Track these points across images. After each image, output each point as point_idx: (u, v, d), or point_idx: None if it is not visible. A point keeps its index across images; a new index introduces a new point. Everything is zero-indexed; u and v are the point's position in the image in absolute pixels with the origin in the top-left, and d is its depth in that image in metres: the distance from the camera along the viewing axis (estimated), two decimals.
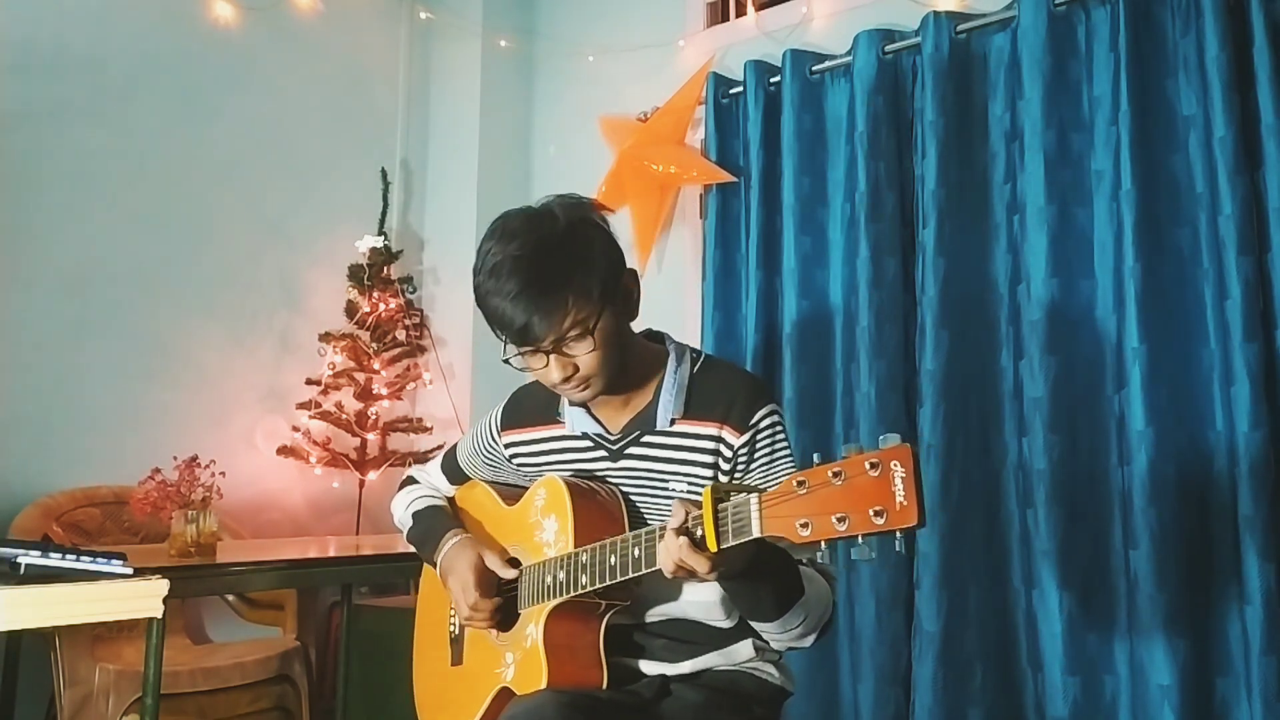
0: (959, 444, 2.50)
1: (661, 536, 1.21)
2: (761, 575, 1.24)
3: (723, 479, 1.40)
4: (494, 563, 1.48)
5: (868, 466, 1.00)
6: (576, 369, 1.33)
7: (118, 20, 3.07)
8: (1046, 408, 2.38)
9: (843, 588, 2.66)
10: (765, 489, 1.11)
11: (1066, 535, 2.34)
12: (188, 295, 3.17)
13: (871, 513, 0.99)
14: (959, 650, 2.42)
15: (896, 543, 0.99)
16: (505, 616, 1.48)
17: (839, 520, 1.02)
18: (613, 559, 1.29)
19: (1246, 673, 2.13)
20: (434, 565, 1.58)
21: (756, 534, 1.09)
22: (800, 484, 1.06)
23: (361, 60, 3.76)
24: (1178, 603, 2.19)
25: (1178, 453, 2.25)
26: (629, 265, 1.41)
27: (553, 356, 1.32)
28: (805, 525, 1.04)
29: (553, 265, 1.29)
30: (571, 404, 1.46)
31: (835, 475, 1.03)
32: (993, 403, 2.54)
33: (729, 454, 1.40)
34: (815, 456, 1.08)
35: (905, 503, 0.98)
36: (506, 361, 1.37)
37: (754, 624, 1.35)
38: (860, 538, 1.01)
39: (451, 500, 1.71)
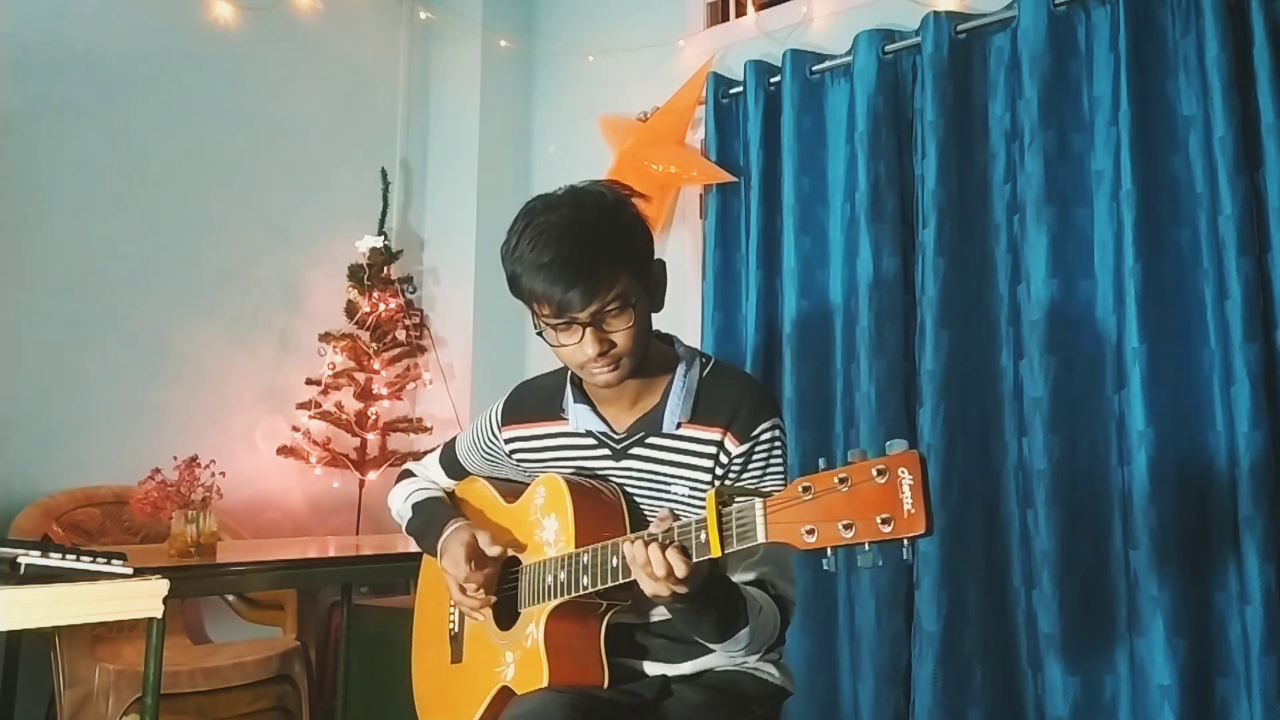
0: (959, 444, 2.50)
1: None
2: (706, 606, 1.25)
3: (715, 483, 1.40)
4: (484, 541, 1.46)
5: (874, 473, 0.99)
6: (612, 345, 1.32)
7: (117, 20, 3.07)
8: (1046, 408, 2.38)
9: (842, 587, 2.66)
10: (769, 493, 1.10)
11: (1066, 535, 2.33)
12: (188, 295, 3.17)
13: (879, 520, 0.98)
14: (959, 650, 2.42)
15: (904, 551, 0.98)
16: (506, 615, 1.48)
17: (845, 527, 1.00)
18: (614, 560, 1.28)
19: (1246, 673, 2.13)
20: (435, 553, 1.56)
21: (761, 539, 1.08)
22: (805, 489, 1.05)
23: (361, 60, 3.76)
24: (1178, 603, 2.19)
25: (1178, 453, 2.25)
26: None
27: (589, 330, 1.30)
28: (811, 532, 1.03)
29: (601, 235, 1.29)
30: (576, 402, 1.46)
31: (841, 481, 1.02)
32: (993, 403, 2.54)
33: (725, 460, 1.40)
34: (820, 461, 1.06)
35: (913, 511, 0.96)
36: (540, 334, 1.35)
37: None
38: (866, 545, 1.00)
39: (451, 494, 1.71)
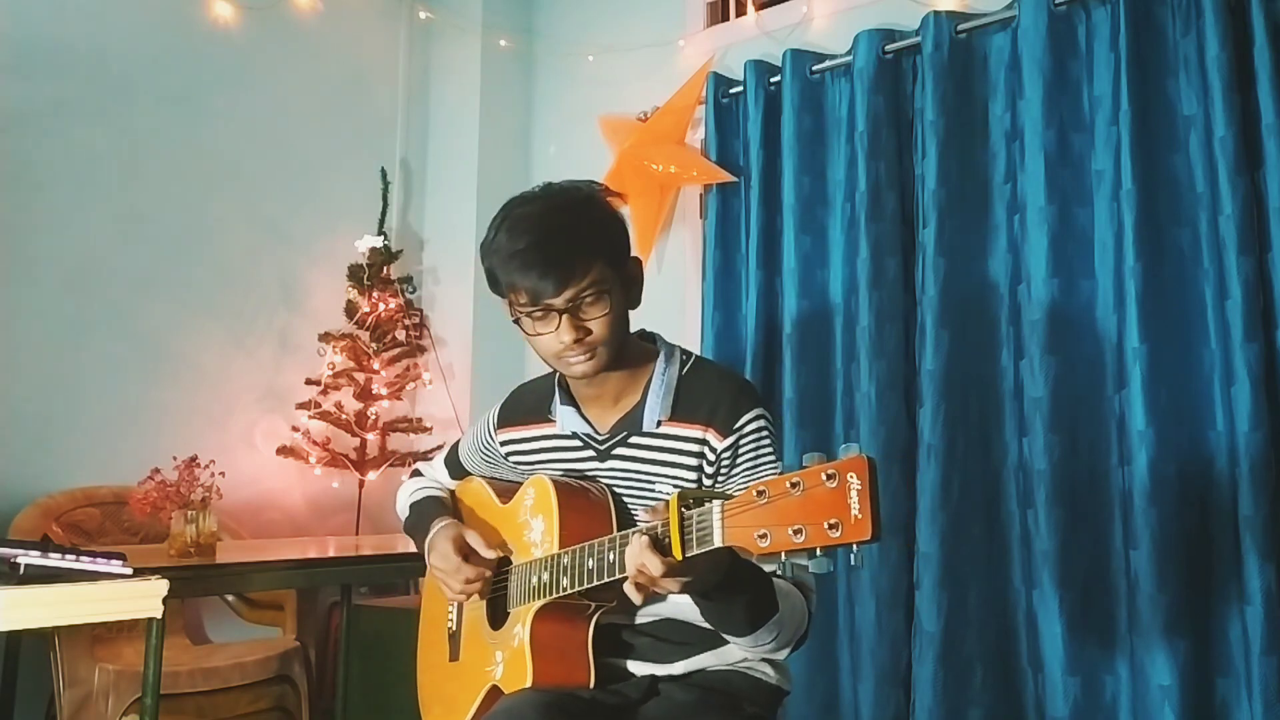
0: (959, 444, 2.50)
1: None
2: (734, 591, 1.21)
3: (706, 482, 1.39)
4: (475, 540, 1.48)
5: (824, 478, 0.98)
6: (588, 332, 1.32)
7: (117, 19, 3.07)
8: (1047, 408, 2.37)
9: (842, 587, 2.66)
10: (730, 496, 1.08)
11: (1067, 536, 2.33)
12: (187, 295, 3.17)
13: (827, 525, 0.96)
14: (959, 650, 2.42)
15: (852, 557, 0.97)
16: (497, 615, 1.49)
17: (795, 532, 0.99)
18: (590, 562, 1.29)
19: (1247, 673, 2.13)
20: (423, 551, 1.58)
21: (719, 543, 1.07)
22: (760, 494, 1.03)
23: (361, 60, 3.76)
24: (1178, 603, 2.19)
25: (1178, 453, 2.25)
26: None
27: (565, 317, 1.31)
28: (764, 536, 1.02)
29: (575, 224, 1.31)
30: (563, 404, 1.46)
31: (793, 486, 1.00)
32: (993, 403, 2.54)
33: (712, 457, 1.38)
34: (778, 466, 1.06)
35: (860, 516, 0.95)
36: (516, 322, 1.36)
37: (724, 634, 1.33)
38: (818, 550, 0.98)
39: (453, 493, 1.72)
